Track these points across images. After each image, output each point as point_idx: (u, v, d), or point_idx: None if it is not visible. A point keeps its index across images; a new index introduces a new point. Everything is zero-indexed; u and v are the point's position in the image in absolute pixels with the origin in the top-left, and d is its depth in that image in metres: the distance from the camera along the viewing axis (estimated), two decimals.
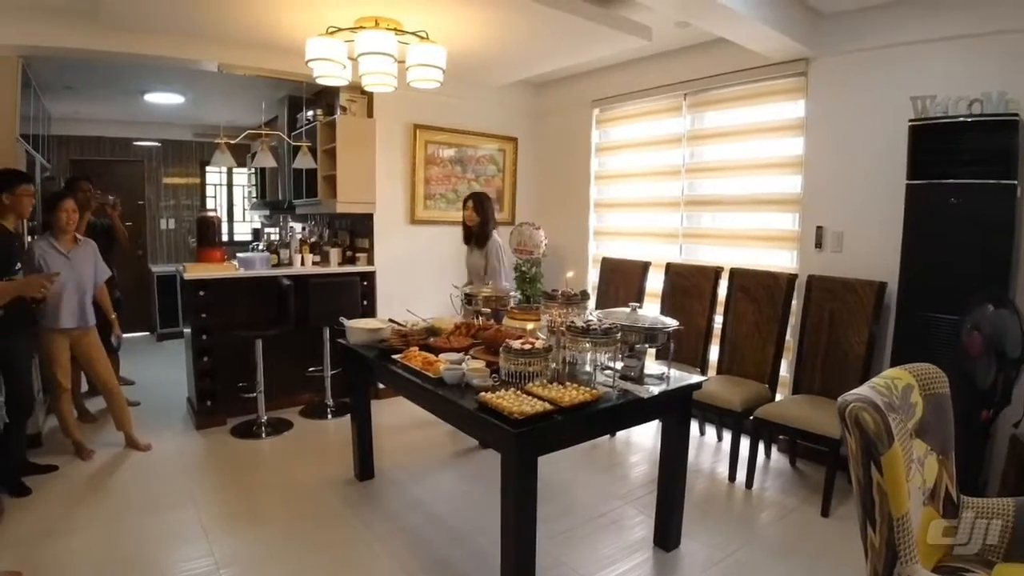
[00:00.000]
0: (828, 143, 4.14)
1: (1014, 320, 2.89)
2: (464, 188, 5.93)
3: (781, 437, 4.20)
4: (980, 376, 2.94)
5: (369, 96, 5.36)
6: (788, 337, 4.21)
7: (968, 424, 2.86)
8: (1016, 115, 3.14)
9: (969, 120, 3.25)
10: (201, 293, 4.66)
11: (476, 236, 4.56)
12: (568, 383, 2.67)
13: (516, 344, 2.71)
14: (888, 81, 3.80)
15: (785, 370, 4.29)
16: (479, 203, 4.56)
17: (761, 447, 4.06)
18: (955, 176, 3.30)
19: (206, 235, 5.09)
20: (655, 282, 5.03)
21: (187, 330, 5.05)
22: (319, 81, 3.79)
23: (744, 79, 4.57)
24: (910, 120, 3.45)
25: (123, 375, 5.31)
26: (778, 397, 4.16)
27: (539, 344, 2.74)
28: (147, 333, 8.11)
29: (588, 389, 2.60)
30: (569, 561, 2.95)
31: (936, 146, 3.38)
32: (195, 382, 4.75)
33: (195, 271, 4.74)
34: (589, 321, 2.80)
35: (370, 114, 5.41)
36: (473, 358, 3.02)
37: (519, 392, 2.55)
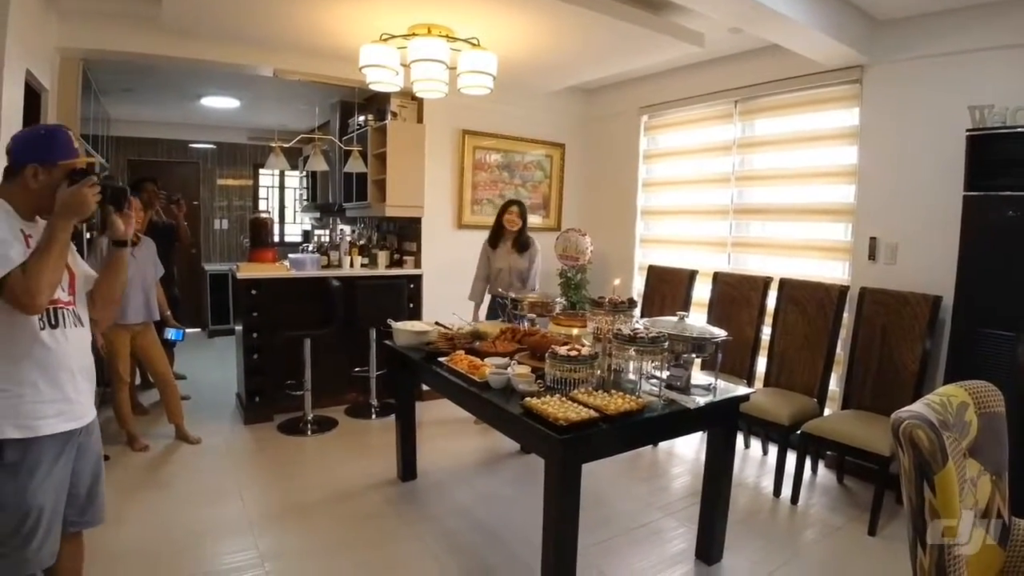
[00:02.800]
0: (883, 152, 4.04)
1: None
2: (511, 194, 5.97)
3: (829, 453, 4.11)
4: None
5: (419, 102, 5.43)
6: (838, 350, 4.12)
7: (1023, 444, 2.76)
8: None
9: None
10: (253, 292, 4.78)
11: (518, 240, 4.66)
12: (613, 391, 2.66)
13: (562, 350, 2.71)
14: (945, 89, 3.70)
15: (834, 384, 4.19)
16: (524, 209, 4.78)
17: (808, 462, 3.97)
18: (1013, 188, 3.17)
19: (259, 236, 5.21)
20: (702, 291, 4.97)
21: (238, 328, 5.19)
22: (372, 87, 3.88)
23: (797, 86, 4.49)
24: (967, 130, 3.35)
25: (175, 370, 5.47)
26: (827, 412, 4.08)
27: (585, 351, 2.74)
28: (199, 330, 8.34)
29: (634, 398, 2.59)
30: (609, 571, 2.94)
31: (994, 157, 3.26)
32: (244, 379, 4.87)
33: (247, 271, 4.87)
34: (636, 329, 2.78)
35: (420, 120, 5.48)
36: (519, 363, 3.04)
37: (564, 399, 2.56)
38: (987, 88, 3.45)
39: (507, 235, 4.71)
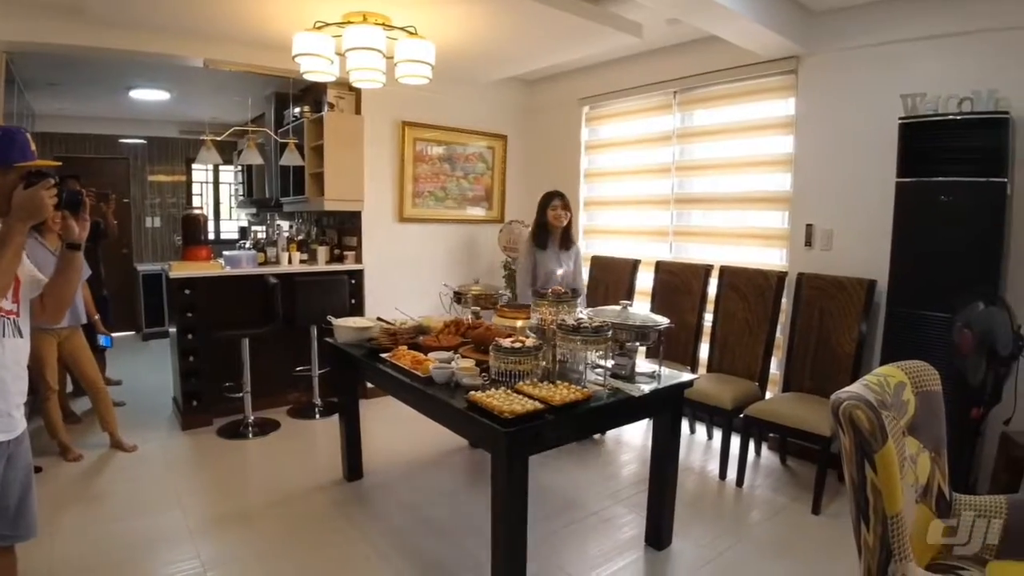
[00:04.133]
0: (818, 141, 4.13)
1: (1004, 318, 2.89)
2: (453, 186, 5.91)
3: (771, 435, 4.19)
4: (971, 374, 2.94)
5: (357, 92, 5.31)
6: (778, 335, 4.21)
7: (959, 422, 2.86)
8: (1006, 113, 3.13)
9: (959, 118, 3.25)
10: (187, 292, 4.61)
11: (565, 237, 4.45)
12: (559, 382, 2.64)
13: (506, 342, 2.68)
14: (878, 79, 3.80)
15: (775, 368, 4.28)
16: (568, 201, 4.40)
17: (751, 445, 4.05)
18: (945, 174, 3.29)
19: (192, 233, 5.02)
20: (645, 280, 5.02)
21: (172, 329, 4.99)
22: (306, 77, 3.76)
23: (734, 77, 4.55)
24: (900, 118, 3.45)
25: (108, 375, 5.25)
26: (768, 395, 4.16)
27: (529, 342, 2.71)
28: (132, 333, 8.03)
29: (579, 388, 2.57)
30: (560, 561, 2.93)
31: (926, 144, 3.37)
32: (181, 382, 4.69)
33: (181, 269, 4.68)
34: (580, 319, 2.77)
35: (358, 111, 5.37)
36: (463, 357, 2.99)
37: (509, 391, 2.52)
38: (919, 77, 3.55)
39: (554, 232, 4.41)
